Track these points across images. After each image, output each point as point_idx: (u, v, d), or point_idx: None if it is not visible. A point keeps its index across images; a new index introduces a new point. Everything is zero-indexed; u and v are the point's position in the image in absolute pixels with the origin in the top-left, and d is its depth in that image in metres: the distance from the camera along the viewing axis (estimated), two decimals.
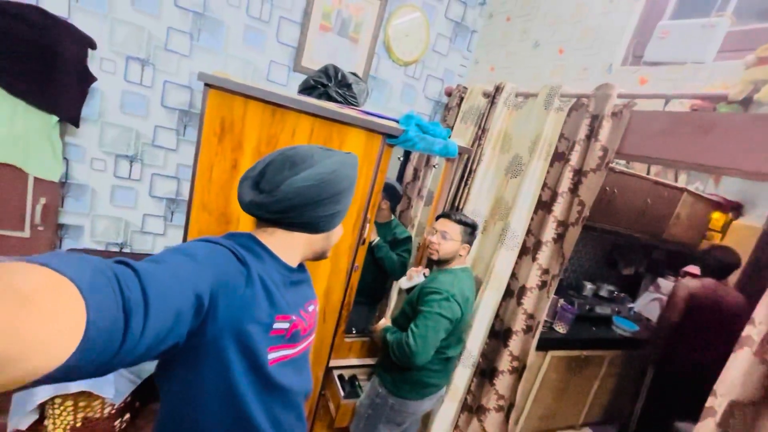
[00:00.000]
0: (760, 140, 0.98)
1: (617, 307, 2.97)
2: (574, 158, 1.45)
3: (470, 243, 1.57)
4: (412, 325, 1.40)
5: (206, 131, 1.31)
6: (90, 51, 1.49)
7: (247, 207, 0.73)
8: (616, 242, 3.32)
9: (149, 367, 1.71)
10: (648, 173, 2.78)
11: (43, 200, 1.49)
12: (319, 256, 0.84)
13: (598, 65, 1.53)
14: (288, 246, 0.76)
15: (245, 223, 1.43)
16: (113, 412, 1.61)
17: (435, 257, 1.55)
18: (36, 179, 1.47)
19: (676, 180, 3.02)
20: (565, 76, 1.67)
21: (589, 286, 3.01)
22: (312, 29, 1.87)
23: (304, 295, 0.83)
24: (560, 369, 2.45)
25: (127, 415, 1.69)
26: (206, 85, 1.25)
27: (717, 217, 3.19)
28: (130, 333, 0.41)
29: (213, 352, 0.63)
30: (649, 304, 3.36)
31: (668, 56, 1.25)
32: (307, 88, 1.59)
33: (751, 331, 0.90)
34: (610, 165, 1.37)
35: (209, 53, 1.73)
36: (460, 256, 1.56)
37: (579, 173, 1.44)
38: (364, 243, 1.63)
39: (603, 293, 3.07)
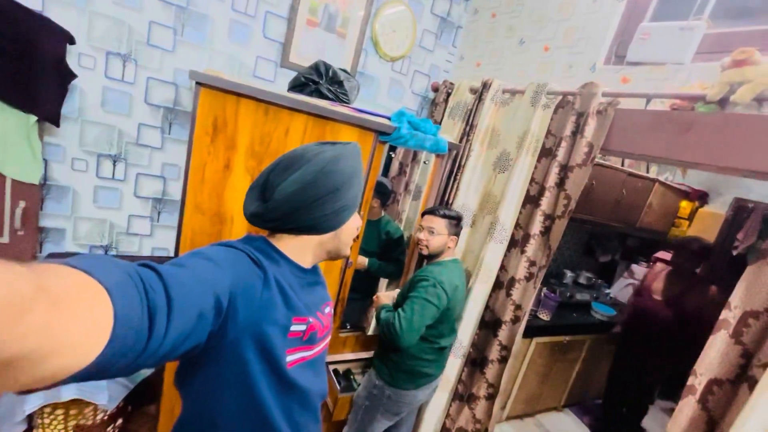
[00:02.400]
0: (735, 139, 1.05)
1: (595, 293, 3.12)
2: (561, 154, 1.51)
3: (457, 234, 1.63)
4: (400, 309, 1.46)
5: (198, 130, 1.28)
6: (68, 46, 1.42)
7: (249, 219, 0.74)
8: (594, 231, 3.47)
9: (142, 371, 1.69)
10: (623, 165, 2.91)
11: (22, 204, 1.43)
12: (335, 256, 0.83)
13: (582, 64, 1.58)
14: (299, 249, 0.76)
15: (239, 223, 1.42)
16: (105, 418, 1.58)
17: (425, 252, 1.61)
18: (14, 182, 1.40)
19: (647, 171, 3.17)
20: (550, 73, 1.72)
21: (569, 274, 3.14)
22: (299, 24, 1.84)
23: (320, 297, 0.83)
24: (544, 354, 2.57)
25: (120, 421, 1.66)
26: (198, 83, 1.22)
27: (685, 206, 3.37)
28: (154, 333, 0.42)
29: (233, 354, 0.64)
30: (623, 289, 3.55)
31: (649, 57, 1.31)
32: (297, 85, 1.57)
33: (728, 315, 0.98)
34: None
35: (194, 48, 1.68)
36: (449, 248, 1.61)
37: (565, 168, 1.50)
38: (357, 239, 1.65)
39: (582, 280, 3.21)
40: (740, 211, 3.00)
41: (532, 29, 1.84)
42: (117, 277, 0.39)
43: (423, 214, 1.65)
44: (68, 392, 1.41)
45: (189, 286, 0.51)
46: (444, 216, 1.59)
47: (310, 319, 0.75)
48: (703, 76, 1.18)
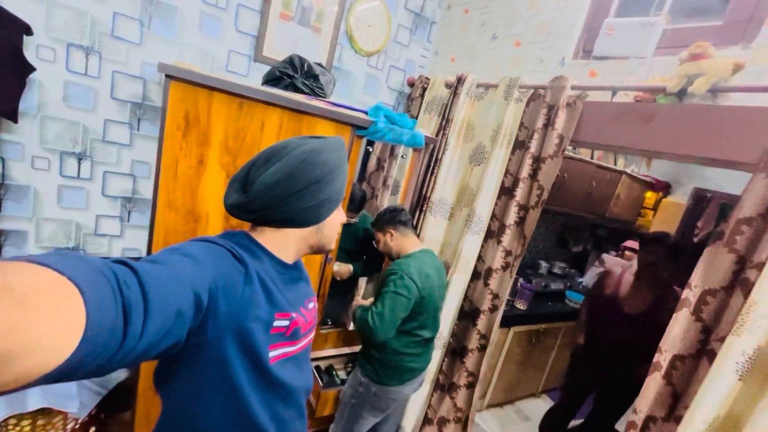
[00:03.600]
0: (693, 128, 1.11)
1: (569, 282, 3.23)
2: (534, 146, 1.55)
3: (391, 225, 1.62)
4: (372, 306, 1.48)
5: (169, 125, 1.25)
6: (25, 37, 1.34)
7: (229, 209, 0.72)
8: (566, 223, 3.59)
9: (115, 376, 1.63)
10: (592, 158, 3.03)
11: None
12: (319, 250, 0.81)
13: (552, 58, 1.63)
14: (281, 243, 0.75)
15: (215, 220, 1.39)
16: (77, 427, 1.51)
17: (389, 257, 1.71)
18: None
19: (615, 163, 3.31)
20: (522, 68, 1.77)
21: (543, 265, 3.25)
22: (272, 17, 1.81)
23: (304, 292, 0.83)
24: (522, 343, 2.64)
25: (93, 429, 1.59)
26: (167, 76, 1.19)
27: (650, 196, 3.54)
28: (130, 332, 0.41)
29: (214, 351, 0.63)
30: (595, 277, 3.69)
31: (614, 51, 1.37)
32: (272, 80, 1.55)
33: (688, 294, 1.05)
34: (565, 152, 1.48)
35: (162, 42, 1.62)
36: (400, 242, 1.62)
37: (538, 160, 1.55)
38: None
39: (556, 270, 3.32)
40: (699, 200, 3.18)
41: (503, 24, 1.89)
42: (89, 275, 0.37)
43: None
44: (34, 401, 1.35)
45: (166, 283, 0.49)
46: (374, 224, 1.69)
47: (293, 315, 0.74)
48: (664, 70, 1.25)
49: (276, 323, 0.70)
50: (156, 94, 1.66)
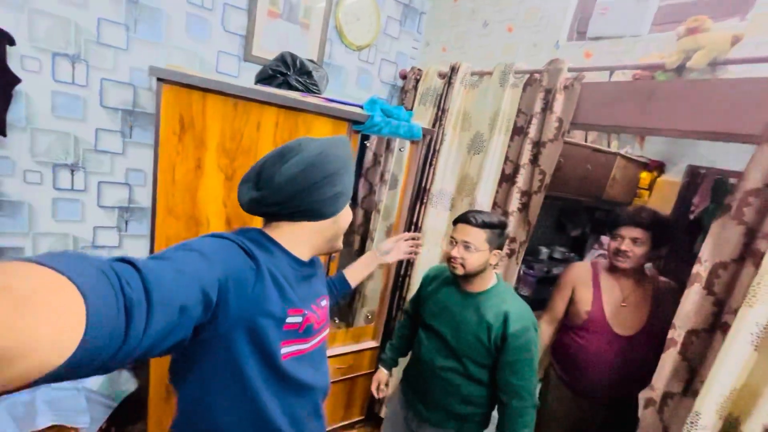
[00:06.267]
0: (694, 103, 1.11)
1: None
2: (533, 131, 1.54)
3: (501, 247, 1.22)
4: (524, 400, 1.12)
5: (164, 130, 1.22)
6: (8, 48, 1.31)
7: (247, 206, 0.72)
8: (563, 207, 3.61)
9: (125, 388, 1.60)
10: (586, 141, 3.03)
11: None
12: (332, 247, 0.82)
13: (546, 42, 1.62)
14: (296, 238, 0.75)
15: (216, 225, 1.37)
16: None
17: (461, 272, 1.20)
18: None
19: (609, 145, 3.32)
20: (515, 53, 1.76)
21: (544, 250, 3.26)
22: (260, 15, 1.78)
23: (316, 289, 0.82)
24: None
25: None
26: (159, 80, 1.16)
27: (644, 176, 3.56)
28: (132, 330, 0.40)
29: (226, 346, 0.64)
30: (595, 260, 3.72)
31: (609, 31, 1.36)
32: (265, 78, 1.52)
33: (699, 269, 1.05)
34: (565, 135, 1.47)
35: (150, 46, 1.59)
36: (491, 265, 1.22)
37: (538, 144, 1.54)
38: None
39: (557, 255, 3.34)
40: (694, 177, 3.21)
41: (494, 10, 1.87)
42: (89, 274, 0.37)
43: (455, 222, 1.23)
44: (44, 419, 1.32)
45: (170, 280, 0.48)
46: (483, 225, 1.16)
47: (306, 312, 0.74)
48: (661, 46, 1.24)
49: (289, 320, 0.70)
50: (146, 100, 1.63)
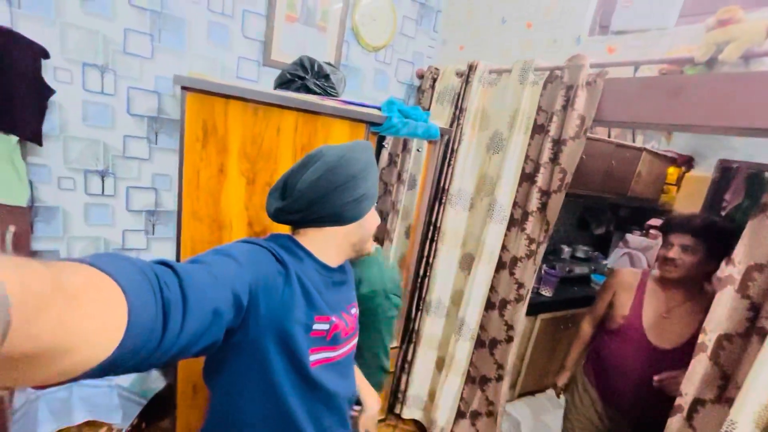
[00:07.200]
0: (725, 98, 1.06)
1: (593, 265, 3.16)
2: (553, 129, 1.51)
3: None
4: None
5: (188, 137, 1.26)
6: (43, 61, 1.37)
7: (274, 215, 0.74)
8: (586, 205, 3.51)
9: (154, 386, 1.66)
10: (609, 136, 2.94)
11: (12, 228, 1.38)
12: (360, 250, 0.81)
13: (566, 37, 1.58)
14: (323, 244, 0.76)
15: (238, 228, 1.40)
16: None
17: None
18: (1, 206, 1.36)
19: (633, 140, 3.21)
20: (534, 50, 1.72)
21: (566, 250, 3.18)
22: (278, 20, 1.81)
23: (346, 297, 0.82)
24: (549, 330, 2.60)
25: None
26: (184, 88, 1.19)
27: (672, 172, 3.42)
28: (168, 330, 0.42)
29: (255, 350, 0.65)
30: (619, 259, 3.60)
31: (633, 24, 1.32)
32: (284, 83, 1.54)
33: (732, 271, 1.00)
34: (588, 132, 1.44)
35: (173, 54, 1.64)
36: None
37: (558, 143, 1.50)
38: None
39: (579, 254, 3.26)
40: (725, 172, 3.06)
41: (512, 7, 1.84)
42: (132, 274, 0.39)
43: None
44: (80, 414, 1.39)
45: (205, 283, 0.51)
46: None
47: (333, 319, 0.74)
48: (688, 39, 1.19)
49: (315, 326, 0.70)
50: (171, 106, 1.68)
